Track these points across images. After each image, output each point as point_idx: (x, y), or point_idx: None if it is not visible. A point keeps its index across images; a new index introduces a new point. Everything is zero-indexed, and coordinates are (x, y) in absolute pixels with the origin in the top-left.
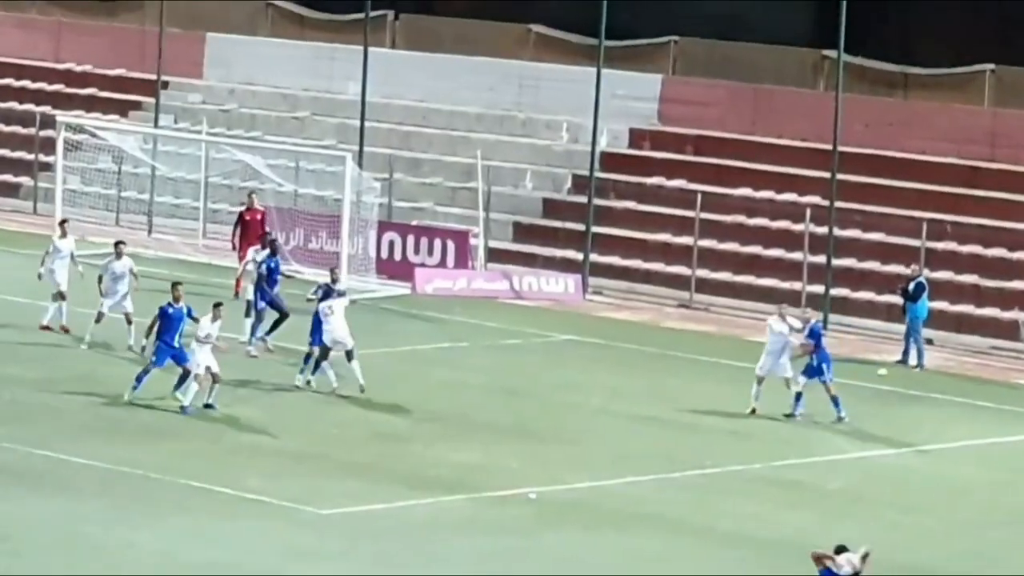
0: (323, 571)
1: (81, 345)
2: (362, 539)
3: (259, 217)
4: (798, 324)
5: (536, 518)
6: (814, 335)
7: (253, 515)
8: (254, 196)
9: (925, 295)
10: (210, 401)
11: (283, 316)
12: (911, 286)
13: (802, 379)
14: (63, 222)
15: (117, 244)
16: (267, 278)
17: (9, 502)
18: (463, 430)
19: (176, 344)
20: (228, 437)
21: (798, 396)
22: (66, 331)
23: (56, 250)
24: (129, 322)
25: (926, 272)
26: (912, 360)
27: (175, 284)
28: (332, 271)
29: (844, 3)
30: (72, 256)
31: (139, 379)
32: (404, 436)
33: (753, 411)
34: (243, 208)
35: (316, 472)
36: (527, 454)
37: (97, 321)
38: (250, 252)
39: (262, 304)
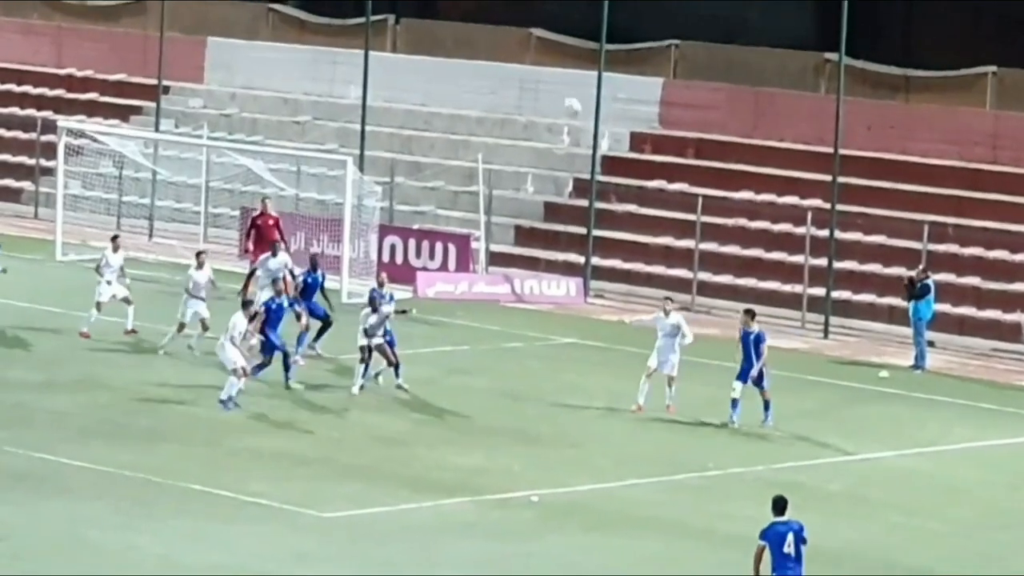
0: (325, 574)
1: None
2: (364, 542)
3: (271, 222)
4: (685, 325)
5: (538, 521)
6: (759, 341)
7: (255, 518)
8: (268, 201)
9: (930, 296)
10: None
11: (327, 323)
12: (917, 285)
13: (738, 385)
14: (115, 237)
15: (199, 254)
16: (304, 292)
17: (10, 505)
18: (465, 433)
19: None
20: (229, 440)
21: (734, 403)
22: (134, 332)
23: (108, 264)
24: (205, 328)
25: (914, 274)
26: (924, 361)
27: (275, 280)
28: (379, 275)
29: (845, 6)
30: (121, 269)
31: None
32: (406, 439)
33: (638, 408)
34: (256, 213)
35: (318, 475)
36: (529, 457)
37: (179, 331)
38: (260, 258)
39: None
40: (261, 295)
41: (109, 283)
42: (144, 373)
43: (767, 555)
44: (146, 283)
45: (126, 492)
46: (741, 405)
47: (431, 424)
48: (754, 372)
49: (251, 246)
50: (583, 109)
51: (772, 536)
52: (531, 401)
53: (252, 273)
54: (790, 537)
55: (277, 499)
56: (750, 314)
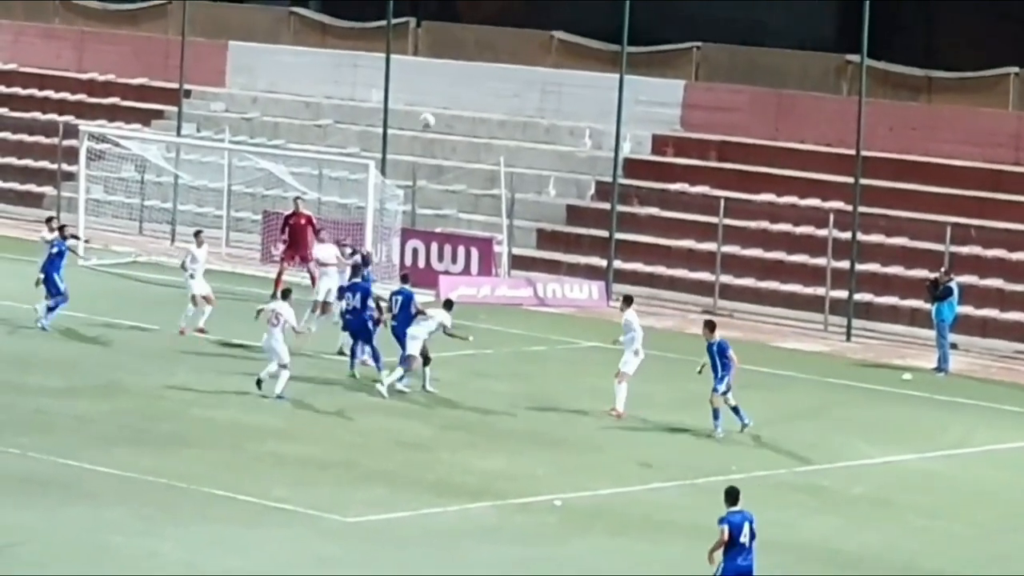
0: None
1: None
2: (387, 547)
3: (303, 221)
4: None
5: (561, 525)
6: (722, 350)
7: (277, 523)
8: (299, 201)
9: (952, 298)
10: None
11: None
12: (940, 287)
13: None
14: (198, 232)
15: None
16: (398, 314)
17: (33, 511)
18: (488, 437)
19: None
20: (252, 445)
21: (716, 413)
22: (203, 332)
23: (194, 259)
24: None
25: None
26: (947, 364)
27: (404, 276)
28: (403, 276)
29: (867, 7)
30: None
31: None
32: (428, 443)
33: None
34: (288, 213)
35: (340, 480)
36: (552, 461)
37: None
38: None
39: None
40: (321, 284)
41: (192, 276)
42: (166, 378)
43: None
44: (167, 288)
45: (149, 498)
46: (723, 414)
47: (454, 428)
48: (730, 379)
49: (282, 246)
50: (604, 112)
51: (733, 524)
52: (554, 405)
53: (281, 273)
54: (746, 527)
55: (300, 504)
56: (710, 326)
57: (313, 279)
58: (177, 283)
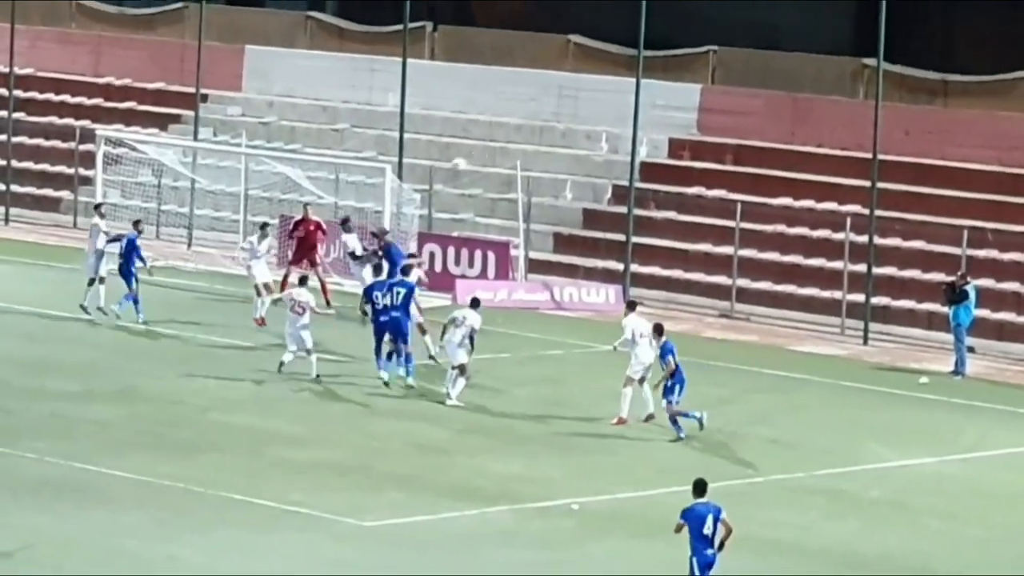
0: None
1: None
2: (404, 551)
3: (312, 227)
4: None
5: (579, 529)
6: (666, 352)
7: (295, 528)
8: (309, 207)
9: (969, 302)
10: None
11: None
12: (956, 290)
13: (664, 401)
14: (264, 225)
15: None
16: (400, 305)
17: (51, 515)
18: (505, 441)
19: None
20: (269, 450)
21: (673, 420)
22: (262, 323)
23: (255, 252)
24: (423, 332)
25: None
26: (964, 367)
27: (405, 268)
28: (404, 268)
29: (883, 11)
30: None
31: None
32: (446, 447)
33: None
34: (298, 219)
35: (358, 484)
36: (569, 465)
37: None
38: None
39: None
40: (363, 273)
41: (249, 266)
42: (183, 383)
43: (685, 535)
44: (184, 291)
45: (166, 502)
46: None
47: (471, 432)
48: (668, 381)
49: (290, 252)
50: (620, 116)
51: (693, 517)
52: (571, 409)
53: (287, 276)
54: (709, 519)
55: (317, 508)
56: (658, 330)
57: (323, 285)
58: (193, 287)
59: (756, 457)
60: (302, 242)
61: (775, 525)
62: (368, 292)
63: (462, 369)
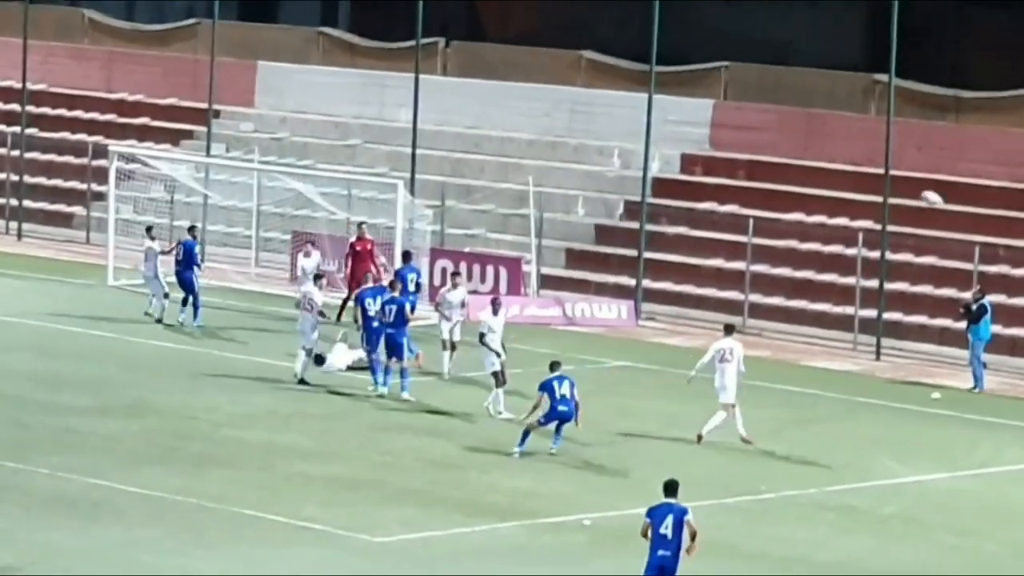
0: None
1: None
2: (416, 566)
3: (368, 247)
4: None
5: (590, 545)
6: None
7: (307, 543)
8: (364, 227)
9: (987, 317)
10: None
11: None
12: (974, 307)
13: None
14: (310, 243)
15: (454, 275)
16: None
17: (64, 531)
18: (517, 456)
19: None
20: (281, 465)
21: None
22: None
23: (304, 273)
24: (452, 348)
25: (970, 296)
26: (983, 382)
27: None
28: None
29: (895, 27)
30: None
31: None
32: (458, 463)
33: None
34: (354, 239)
35: (370, 500)
36: (581, 480)
37: (445, 349)
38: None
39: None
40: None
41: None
42: (194, 398)
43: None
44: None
45: (179, 517)
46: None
47: (483, 447)
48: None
49: (347, 272)
50: (633, 131)
51: (655, 516)
52: (583, 424)
53: (347, 300)
54: (669, 519)
55: (329, 524)
56: (554, 366)
57: (345, 301)
58: (206, 303)
59: (768, 472)
60: (356, 262)
61: (787, 541)
62: (360, 299)
63: (500, 375)
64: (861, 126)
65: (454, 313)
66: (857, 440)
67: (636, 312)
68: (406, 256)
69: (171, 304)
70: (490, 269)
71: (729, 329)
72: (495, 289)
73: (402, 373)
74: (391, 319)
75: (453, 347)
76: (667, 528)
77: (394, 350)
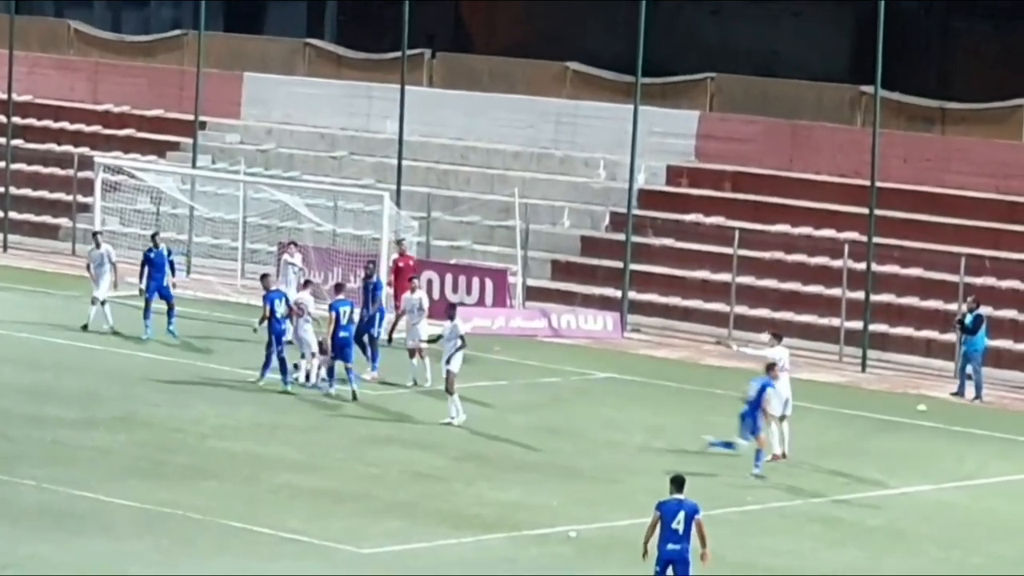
0: None
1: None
2: None
3: (411, 263)
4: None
5: (577, 557)
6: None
7: (293, 555)
8: (404, 243)
9: (984, 327)
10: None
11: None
12: (969, 318)
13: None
14: (291, 244)
15: (410, 279)
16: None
17: (50, 544)
18: (503, 469)
19: None
20: (267, 477)
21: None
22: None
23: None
24: (420, 355)
25: (964, 308)
26: (969, 393)
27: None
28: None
29: (881, 38)
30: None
31: None
32: (444, 475)
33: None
34: (396, 257)
35: (356, 511)
36: (567, 492)
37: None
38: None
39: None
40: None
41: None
42: (180, 410)
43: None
44: (183, 319)
45: (166, 530)
46: None
47: (469, 459)
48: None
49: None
50: (618, 143)
51: (665, 510)
52: (569, 436)
53: (396, 321)
54: (681, 514)
55: (316, 536)
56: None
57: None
58: (192, 315)
59: (754, 484)
60: (398, 278)
61: (773, 553)
62: (335, 308)
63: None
64: (847, 137)
65: (414, 316)
66: (843, 451)
67: (622, 324)
68: (338, 288)
69: (157, 316)
70: (476, 281)
71: (778, 337)
72: (481, 301)
73: (348, 371)
74: (346, 322)
75: (421, 354)
76: (679, 523)
77: (342, 351)
